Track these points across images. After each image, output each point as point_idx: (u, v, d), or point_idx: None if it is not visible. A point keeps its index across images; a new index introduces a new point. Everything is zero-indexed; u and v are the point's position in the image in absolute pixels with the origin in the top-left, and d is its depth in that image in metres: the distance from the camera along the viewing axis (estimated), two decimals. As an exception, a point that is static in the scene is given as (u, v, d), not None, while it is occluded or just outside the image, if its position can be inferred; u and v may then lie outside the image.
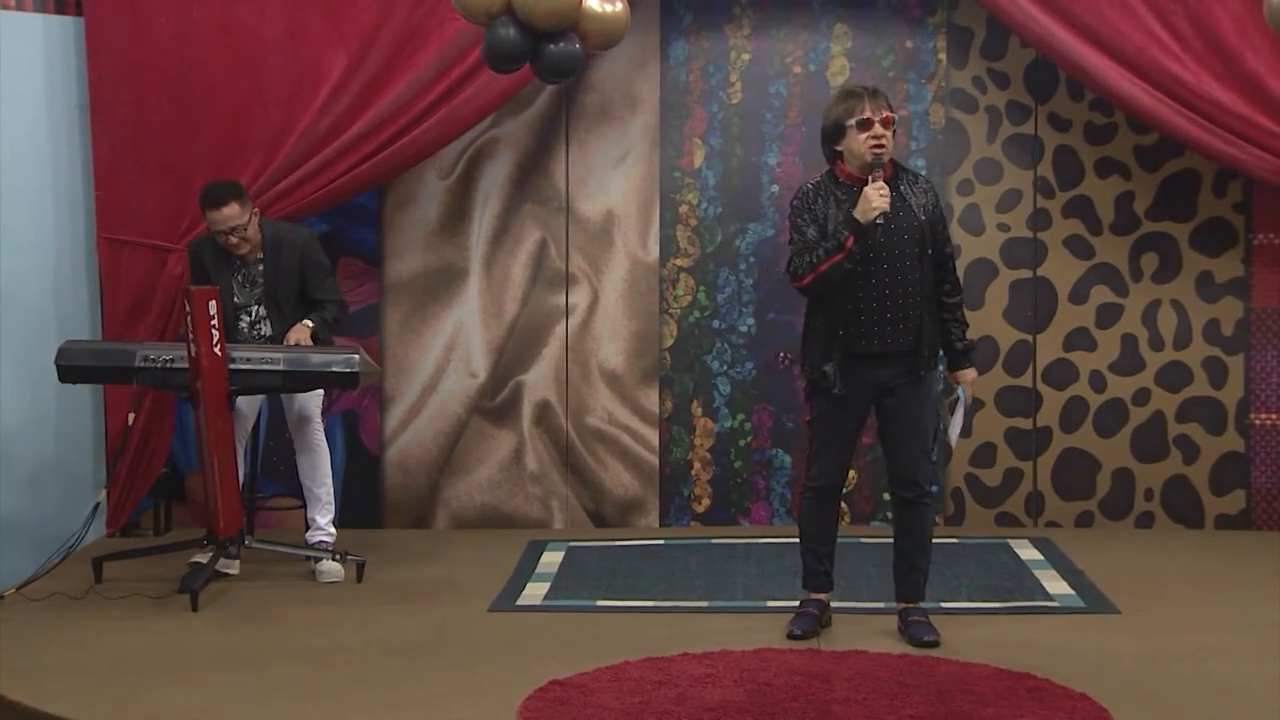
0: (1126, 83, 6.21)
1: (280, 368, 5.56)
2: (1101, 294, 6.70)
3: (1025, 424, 6.74)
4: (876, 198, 4.66)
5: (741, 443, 6.84)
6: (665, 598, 5.58)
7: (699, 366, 6.84)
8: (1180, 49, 6.17)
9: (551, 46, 5.37)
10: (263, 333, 5.90)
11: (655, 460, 6.83)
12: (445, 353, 6.82)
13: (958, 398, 5.02)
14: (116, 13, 6.33)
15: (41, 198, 6.34)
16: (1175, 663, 4.67)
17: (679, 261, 6.82)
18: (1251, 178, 6.38)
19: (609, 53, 6.07)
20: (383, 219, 6.81)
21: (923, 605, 4.98)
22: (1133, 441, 6.71)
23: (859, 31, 6.73)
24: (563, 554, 6.27)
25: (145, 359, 5.57)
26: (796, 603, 5.07)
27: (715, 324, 6.82)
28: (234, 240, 5.76)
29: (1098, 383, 6.71)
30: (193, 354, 5.40)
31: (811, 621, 4.96)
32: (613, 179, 6.78)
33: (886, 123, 4.76)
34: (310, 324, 5.82)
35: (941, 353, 4.96)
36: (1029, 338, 6.73)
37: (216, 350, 5.40)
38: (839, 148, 4.84)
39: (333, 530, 5.98)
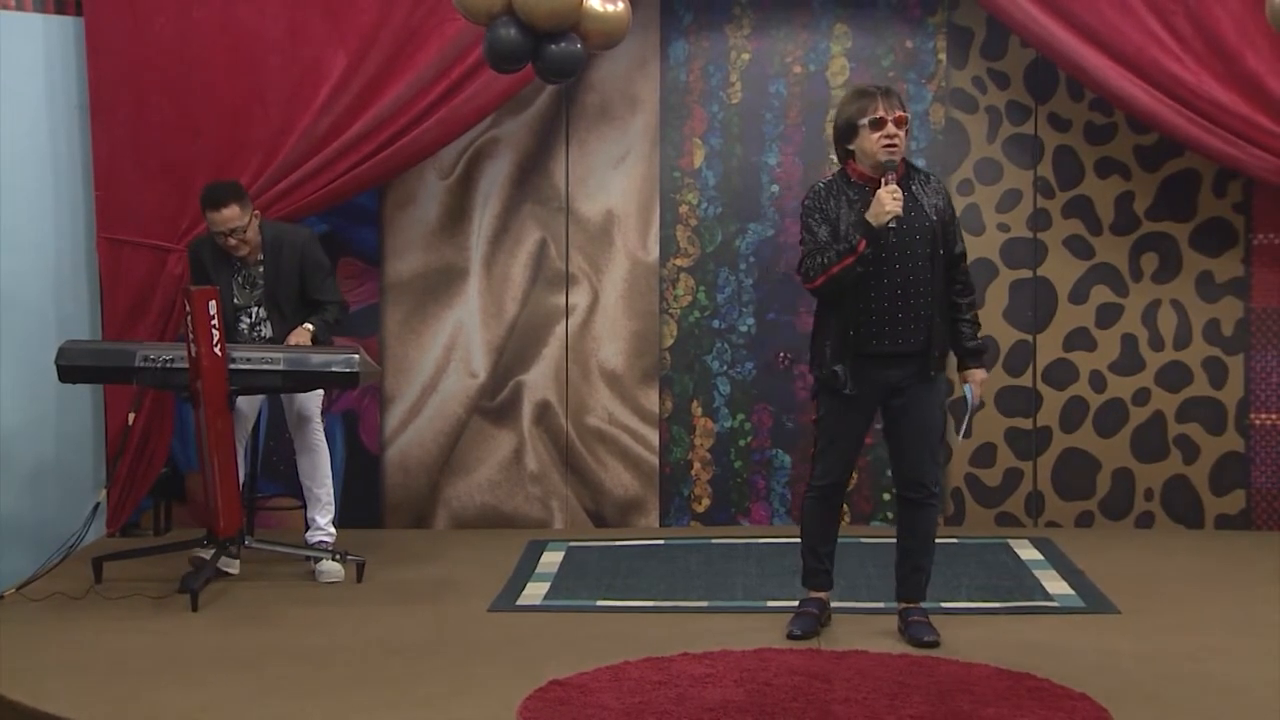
0: (1126, 83, 6.21)
1: (280, 368, 5.56)
2: (1101, 294, 6.70)
3: (1025, 424, 6.74)
4: (889, 201, 4.64)
5: (741, 443, 6.84)
6: (665, 598, 5.57)
7: (699, 366, 6.84)
8: (1180, 49, 6.17)
9: (553, 46, 5.37)
10: (263, 334, 5.89)
11: (655, 460, 6.83)
12: (445, 353, 6.82)
13: (964, 398, 5.02)
14: (116, 13, 6.33)
15: (41, 198, 6.34)
16: (1175, 663, 4.67)
17: (679, 261, 6.82)
18: (1251, 178, 6.38)
19: (609, 53, 6.06)
20: (383, 219, 6.81)
21: (923, 605, 4.98)
22: (1133, 441, 6.71)
23: (859, 31, 6.73)
24: (563, 554, 6.27)
25: (145, 359, 5.57)
26: (796, 603, 5.07)
27: (715, 324, 6.82)
28: (233, 242, 5.76)
29: (1098, 383, 6.71)
30: (193, 354, 5.40)
31: (811, 621, 4.96)
32: (613, 179, 6.78)
33: (899, 122, 4.74)
34: (311, 328, 5.81)
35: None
36: (1029, 338, 6.73)
37: (216, 350, 5.40)
38: (851, 147, 4.82)
39: (333, 530, 5.98)
